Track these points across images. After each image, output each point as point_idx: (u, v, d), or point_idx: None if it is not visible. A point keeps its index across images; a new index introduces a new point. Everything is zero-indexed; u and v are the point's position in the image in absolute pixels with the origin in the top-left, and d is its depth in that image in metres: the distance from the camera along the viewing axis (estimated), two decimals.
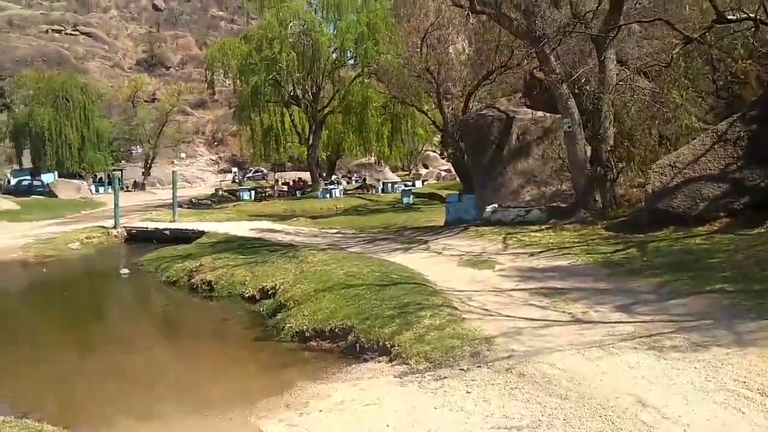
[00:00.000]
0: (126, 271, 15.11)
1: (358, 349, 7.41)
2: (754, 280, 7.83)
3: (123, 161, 69.94)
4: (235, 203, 37.88)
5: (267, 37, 36.88)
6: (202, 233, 20.75)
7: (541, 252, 11.79)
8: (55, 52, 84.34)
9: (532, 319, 7.42)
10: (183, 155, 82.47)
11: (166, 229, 22.27)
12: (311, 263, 11.84)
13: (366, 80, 38.57)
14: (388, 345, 7.00)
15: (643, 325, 6.80)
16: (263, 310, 10.15)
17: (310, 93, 41.11)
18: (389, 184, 43.02)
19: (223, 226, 22.73)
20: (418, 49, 25.99)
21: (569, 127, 14.36)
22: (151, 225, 23.70)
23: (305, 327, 8.35)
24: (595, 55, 14.94)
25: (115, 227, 23.18)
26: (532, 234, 13.69)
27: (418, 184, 46.51)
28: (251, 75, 38.20)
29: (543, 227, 14.27)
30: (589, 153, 14.88)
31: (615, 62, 14.45)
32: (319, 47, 37.07)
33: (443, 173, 56.46)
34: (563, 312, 7.66)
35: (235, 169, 74.11)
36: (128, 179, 63.57)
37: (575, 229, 13.71)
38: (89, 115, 52.16)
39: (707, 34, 13.81)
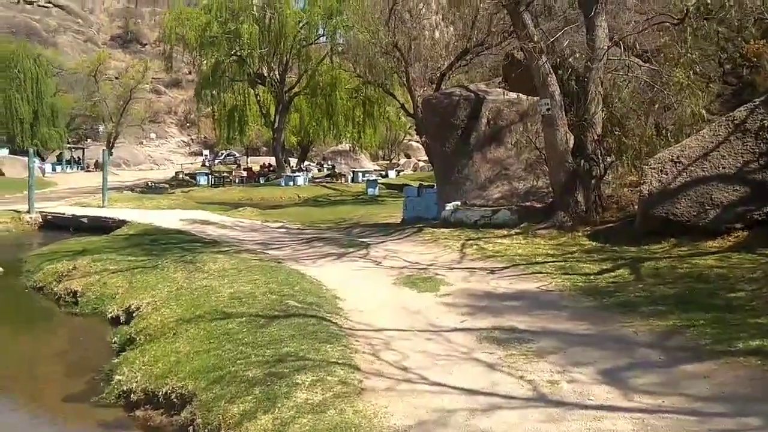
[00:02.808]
0: None
1: None
2: None
3: (89, 139, 66.51)
4: (188, 189, 34.82)
5: (227, 6, 33.71)
6: (123, 223, 17.88)
7: (504, 268, 9.08)
8: (24, 24, 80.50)
9: (470, 392, 4.71)
10: (153, 135, 79.25)
11: (83, 217, 19.29)
12: (205, 273, 9.05)
13: (336, 60, 35.67)
14: None
15: (646, 419, 4.10)
16: (115, 342, 7.33)
17: (276, 72, 38.05)
18: (360, 173, 40.16)
19: (154, 215, 19.82)
20: (386, 23, 23.20)
21: (548, 109, 11.63)
22: (70, 211, 20.67)
23: (135, 384, 5.55)
24: (583, 25, 12.30)
25: (28, 212, 20.14)
26: (498, 241, 10.99)
27: (392, 174, 43.82)
28: (212, 49, 35.03)
29: (512, 232, 11.59)
30: (571, 143, 12.19)
31: (606, 31, 11.73)
32: (284, 21, 33.95)
33: (421, 164, 53.83)
34: (521, 378, 4.95)
35: (206, 152, 70.66)
36: (90, 159, 60.21)
37: (551, 236, 11.05)
38: (43, 88, 48.53)
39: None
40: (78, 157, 58.70)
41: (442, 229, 12.50)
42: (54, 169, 50.87)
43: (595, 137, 11.81)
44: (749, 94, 14.17)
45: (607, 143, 11.98)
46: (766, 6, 14.13)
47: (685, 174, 9.81)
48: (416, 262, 9.87)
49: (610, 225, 11.27)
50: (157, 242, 13.64)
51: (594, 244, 10.24)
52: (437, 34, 24.53)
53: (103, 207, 22.09)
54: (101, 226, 18.19)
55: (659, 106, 11.42)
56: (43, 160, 50.62)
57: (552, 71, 11.74)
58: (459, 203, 13.51)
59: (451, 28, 24.34)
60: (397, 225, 15.48)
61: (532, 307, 7.06)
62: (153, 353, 5.97)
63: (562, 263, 9.03)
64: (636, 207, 11.26)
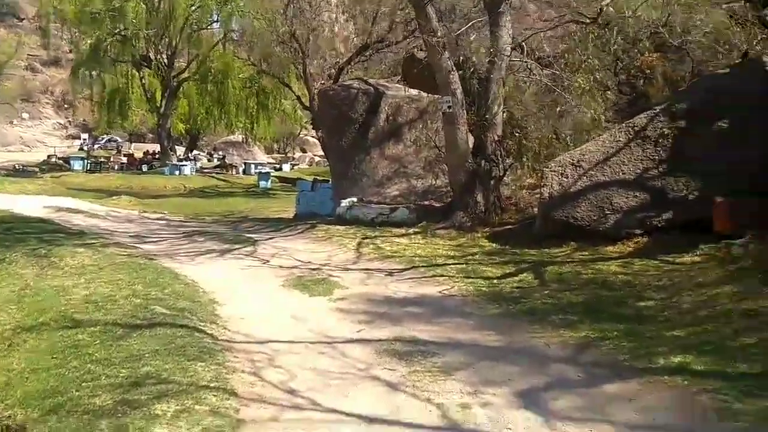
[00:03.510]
0: None
1: None
2: (731, 352, 4.82)
3: None
4: (60, 174, 31.98)
5: None
6: None
7: (403, 270, 8.45)
8: None
9: (370, 420, 3.99)
10: (25, 116, 73.19)
11: None
12: (59, 270, 7.79)
13: (230, 47, 33.99)
14: None
15: None
16: None
17: (164, 55, 35.78)
18: (252, 166, 38.58)
19: (16, 201, 17.72)
20: (283, 11, 22.14)
21: (450, 106, 11.15)
22: None
23: None
24: (486, 24, 11.97)
25: None
26: (396, 240, 10.39)
27: (286, 167, 42.55)
28: (93, 26, 32.31)
29: (410, 231, 11.03)
30: (471, 143, 11.82)
31: (510, 32, 11.43)
32: (175, 2, 31.88)
33: (317, 159, 52.84)
34: (428, 401, 4.28)
35: (85, 136, 65.81)
36: None
37: (450, 237, 10.59)
38: None
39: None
40: None
41: (337, 227, 11.75)
42: None
43: (496, 138, 11.49)
44: (643, 104, 14.45)
45: (507, 145, 11.68)
46: (660, 20, 14.44)
47: (585, 178, 9.62)
48: (308, 262, 9.04)
49: (510, 227, 10.98)
50: (11, 231, 11.95)
51: (494, 245, 9.86)
52: (337, 28, 23.78)
53: None
54: None
55: (560, 110, 11.23)
56: None
57: (454, 68, 11.28)
58: (355, 199, 12.81)
59: (352, 23, 23.68)
60: (289, 220, 14.59)
61: (435, 315, 6.44)
62: None
63: (464, 266, 8.51)
64: (535, 210, 11.03)
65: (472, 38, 11.66)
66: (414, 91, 14.34)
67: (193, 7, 33.74)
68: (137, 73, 36.81)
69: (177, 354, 4.73)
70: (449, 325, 6.06)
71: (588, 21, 10.10)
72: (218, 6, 33.19)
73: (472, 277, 7.85)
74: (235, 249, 10.18)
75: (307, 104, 25.50)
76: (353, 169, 13.70)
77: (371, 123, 13.83)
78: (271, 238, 11.35)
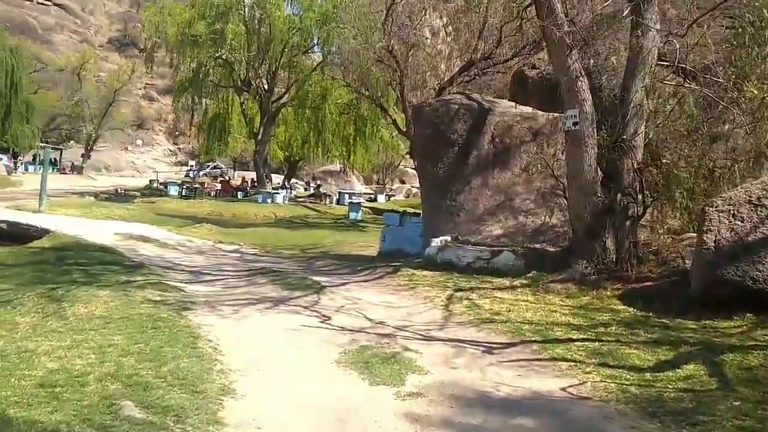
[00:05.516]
0: None
1: None
2: None
3: (71, 141, 63.71)
4: (156, 199, 31.78)
5: (213, 4, 30.88)
6: (45, 232, 14.87)
7: (507, 344, 6.04)
8: (21, 19, 78.33)
9: None
10: (139, 142, 76.69)
11: (2, 222, 16.25)
12: (61, 321, 6.03)
13: (328, 71, 32.89)
14: None
15: None
16: None
17: (264, 80, 35.25)
18: (346, 195, 37.18)
19: (91, 226, 16.84)
20: (380, 25, 20.40)
21: (575, 122, 8.70)
22: None
23: None
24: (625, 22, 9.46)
25: None
26: (498, 295, 8.01)
27: (381, 198, 40.91)
28: (195, 49, 32.19)
29: (516, 283, 8.64)
30: (601, 171, 9.29)
31: (657, 27, 8.87)
32: (274, 24, 31.17)
33: (415, 190, 51.11)
34: None
35: (192, 162, 67.75)
36: (68, 161, 57.28)
37: (569, 293, 8.11)
38: (18, 82, 45.58)
39: None
40: (54, 158, 55.95)
41: (425, 272, 9.51)
42: (27, 169, 48.23)
43: (635, 165, 8.88)
44: None
45: (650, 174, 9.03)
46: None
47: None
48: (380, 322, 6.83)
49: (649, 283, 8.32)
50: (62, 261, 10.64)
51: (633, 311, 7.29)
52: (440, 43, 21.77)
53: (38, 212, 19.08)
54: (22, 234, 15.19)
55: (728, 128, 8.48)
56: (15, 157, 47.77)
57: (583, 73, 8.84)
58: (449, 238, 10.54)
59: (454, 37, 21.62)
60: (370, 259, 12.51)
61: None
62: None
63: (595, 343, 6.00)
64: (686, 262, 8.34)
65: (605, 41, 9.15)
66: (527, 109, 11.99)
67: (293, 30, 33.00)
68: (238, 99, 36.52)
69: None
70: None
71: None
72: (317, 27, 32.19)
73: (611, 365, 5.33)
74: (294, 298, 8.13)
75: (404, 128, 23.59)
76: (448, 201, 11.45)
77: (473, 145, 11.56)
78: (343, 284, 9.24)
